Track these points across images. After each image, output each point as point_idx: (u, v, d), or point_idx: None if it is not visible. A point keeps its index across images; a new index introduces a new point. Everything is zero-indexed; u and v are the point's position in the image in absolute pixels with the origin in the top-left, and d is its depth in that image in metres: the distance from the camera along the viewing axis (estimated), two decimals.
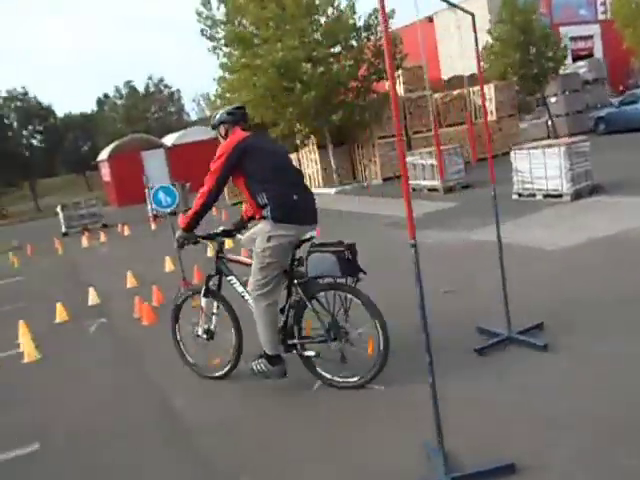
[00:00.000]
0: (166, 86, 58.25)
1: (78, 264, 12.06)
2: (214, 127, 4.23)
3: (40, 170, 35.87)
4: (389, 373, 3.90)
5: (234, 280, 4.32)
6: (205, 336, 4.42)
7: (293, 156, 19.39)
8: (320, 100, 15.42)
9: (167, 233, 13.66)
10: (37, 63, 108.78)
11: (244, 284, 4.19)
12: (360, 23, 16.22)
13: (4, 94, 31.16)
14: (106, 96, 73.81)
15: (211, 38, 18.68)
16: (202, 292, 4.37)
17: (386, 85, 17.78)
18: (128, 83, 54.54)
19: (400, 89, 18.50)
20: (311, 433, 3.58)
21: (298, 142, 17.75)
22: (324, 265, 3.79)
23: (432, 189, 13.49)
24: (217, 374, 4.49)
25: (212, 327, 4.39)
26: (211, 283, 4.41)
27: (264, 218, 3.88)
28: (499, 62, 19.30)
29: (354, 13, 15.59)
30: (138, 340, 6.08)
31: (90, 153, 46.61)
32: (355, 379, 3.93)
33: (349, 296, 3.83)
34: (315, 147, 18.10)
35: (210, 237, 4.37)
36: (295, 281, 4.00)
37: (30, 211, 33.62)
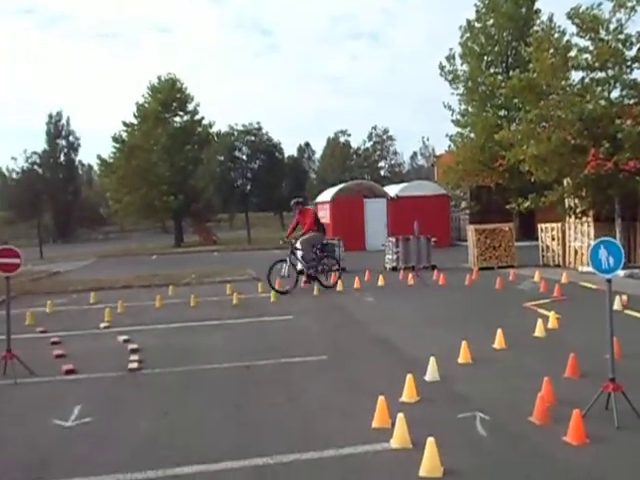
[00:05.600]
0: (390, 137, 59.26)
1: (347, 309, 10.82)
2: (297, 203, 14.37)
3: (253, 204, 37.10)
4: None
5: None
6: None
7: (556, 225, 16.97)
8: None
9: (451, 295, 11.94)
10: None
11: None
12: None
13: (240, 127, 32.70)
14: (307, 144, 77.67)
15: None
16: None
17: None
18: (344, 133, 55.73)
19: None
20: None
21: (573, 211, 15.31)
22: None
23: None
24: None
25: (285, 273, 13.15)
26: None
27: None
28: None
29: None
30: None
31: (289, 194, 47.93)
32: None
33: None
34: (591, 219, 15.59)
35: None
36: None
37: (241, 240, 34.57)
